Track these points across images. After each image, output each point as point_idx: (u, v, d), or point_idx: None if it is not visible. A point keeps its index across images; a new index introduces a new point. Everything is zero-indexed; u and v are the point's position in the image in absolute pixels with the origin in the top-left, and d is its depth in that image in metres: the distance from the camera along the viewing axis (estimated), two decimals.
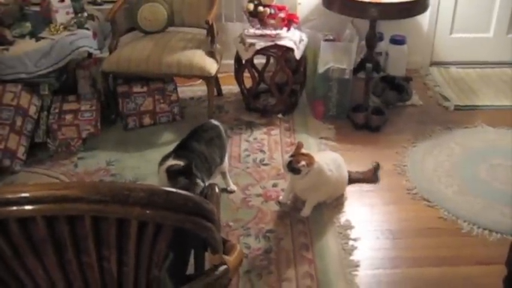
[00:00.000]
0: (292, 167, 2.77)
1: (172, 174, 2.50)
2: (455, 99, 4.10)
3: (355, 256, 2.65)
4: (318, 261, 2.62)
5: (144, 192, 1.21)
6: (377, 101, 3.95)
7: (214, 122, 2.97)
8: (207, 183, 2.50)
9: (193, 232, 1.36)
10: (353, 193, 3.10)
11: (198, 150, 2.73)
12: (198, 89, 4.15)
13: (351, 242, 2.74)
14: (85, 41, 3.53)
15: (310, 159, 2.78)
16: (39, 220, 1.25)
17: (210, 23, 3.54)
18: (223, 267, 1.56)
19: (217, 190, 1.94)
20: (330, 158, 3.01)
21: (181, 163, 2.54)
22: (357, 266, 2.60)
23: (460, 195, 3.07)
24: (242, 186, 3.15)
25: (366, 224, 2.88)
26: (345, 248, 2.70)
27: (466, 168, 3.30)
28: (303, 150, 2.84)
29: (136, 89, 3.69)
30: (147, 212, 1.22)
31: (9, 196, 1.23)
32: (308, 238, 2.76)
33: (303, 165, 2.74)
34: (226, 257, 1.59)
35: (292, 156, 2.81)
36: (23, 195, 1.21)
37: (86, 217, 1.25)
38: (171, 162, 2.57)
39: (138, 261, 1.36)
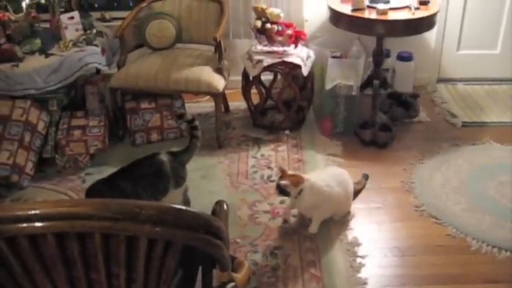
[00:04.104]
0: (280, 189, 2.77)
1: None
2: (462, 116, 4.09)
3: (363, 273, 2.64)
4: (325, 278, 2.60)
5: (154, 210, 1.22)
6: (384, 118, 3.95)
7: (162, 156, 2.83)
8: None
9: (203, 249, 1.36)
10: (360, 210, 3.09)
11: (117, 190, 2.70)
12: (206, 105, 4.16)
13: (358, 259, 2.73)
14: (94, 57, 3.56)
15: (297, 179, 2.77)
16: (49, 237, 1.25)
17: (218, 39, 3.56)
18: (232, 284, 1.56)
19: (225, 207, 1.94)
20: (329, 174, 3.00)
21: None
22: (365, 283, 2.58)
23: (468, 212, 3.05)
24: (249, 202, 3.15)
25: (374, 242, 2.86)
26: (352, 265, 2.69)
27: (474, 185, 3.29)
28: (290, 172, 2.83)
29: (144, 105, 3.71)
30: (157, 229, 1.22)
31: (20, 213, 1.23)
32: (316, 255, 2.75)
33: (286, 184, 2.73)
34: (234, 274, 1.58)
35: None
36: (34, 212, 1.22)
37: (96, 234, 1.25)
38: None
39: (147, 278, 1.36)
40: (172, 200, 2.83)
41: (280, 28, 3.75)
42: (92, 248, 1.29)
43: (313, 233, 2.89)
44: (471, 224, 2.96)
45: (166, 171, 2.80)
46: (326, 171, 3.11)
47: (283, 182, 2.74)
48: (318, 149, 3.67)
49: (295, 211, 3.01)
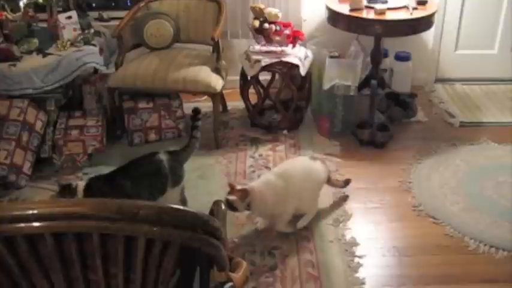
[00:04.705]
0: (229, 204, 2.71)
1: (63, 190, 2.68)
2: (460, 116, 4.09)
3: (361, 273, 2.64)
4: (323, 278, 2.60)
5: (152, 210, 1.22)
6: (382, 118, 3.95)
7: (161, 155, 2.83)
8: None
9: (201, 249, 1.36)
10: (358, 210, 3.09)
11: (116, 187, 2.71)
12: (204, 105, 4.12)
13: (356, 259, 2.73)
14: (91, 57, 3.55)
15: (243, 194, 2.73)
16: (47, 237, 1.25)
17: (216, 39, 3.56)
18: (229, 284, 1.55)
19: (223, 207, 1.94)
20: (276, 171, 2.93)
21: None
22: (363, 283, 2.58)
23: (466, 212, 3.06)
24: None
25: (372, 241, 2.87)
26: (350, 265, 2.69)
27: (471, 185, 3.29)
28: (238, 187, 2.77)
29: (142, 105, 3.71)
30: (155, 229, 1.22)
31: (18, 213, 1.23)
32: (313, 255, 2.75)
33: (233, 200, 2.69)
34: (232, 274, 1.58)
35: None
36: (32, 211, 1.21)
37: (94, 234, 1.25)
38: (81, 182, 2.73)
39: (145, 278, 1.36)
40: (170, 199, 2.83)
41: (278, 28, 3.75)
42: (90, 248, 1.28)
43: (283, 231, 2.87)
44: (469, 223, 2.96)
45: (165, 170, 2.80)
46: (276, 169, 3.03)
47: (230, 198, 2.70)
48: (316, 149, 3.67)
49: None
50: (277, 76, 3.95)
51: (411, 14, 3.60)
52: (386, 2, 3.68)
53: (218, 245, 1.36)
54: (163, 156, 2.82)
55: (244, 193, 2.74)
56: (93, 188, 2.69)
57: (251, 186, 2.81)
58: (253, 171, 3.44)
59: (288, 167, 2.98)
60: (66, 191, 2.66)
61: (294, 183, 2.85)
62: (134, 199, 2.63)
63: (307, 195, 2.92)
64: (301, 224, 2.92)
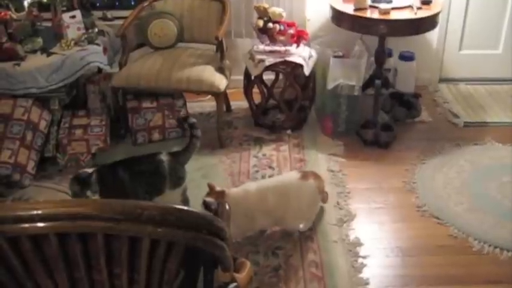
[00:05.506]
0: (206, 206, 2.68)
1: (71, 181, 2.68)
2: (464, 116, 4.09)
3: (365, 274, 2.63)
4: (327, 278, 2.60)
5: (157, 210, 1.21)
6: (386, 118, 3.94)
7: (162, 156, 2.83)
8: None
9: (205, 250, 1.36)
10: (362, 210, 3.09)
11: (116, 178, 2.73)
12: (207, 104, 4.16)
13: (360, 260, 2.72)
14: (95, 56, 3.56)
15: (220, 195, 2.71)
16: (51, 237, 1.25)
17: (220, 39, 3.56)
18: (233, 284, 1.55)
19: (227, 207, 1.94)
20: (261, 185, 2.89)
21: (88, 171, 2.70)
22: (367, 283, 2.58)
23: (470, 212, 3.05)
24: None
25: (376, 242, 2.86)
26: (354, 265, 2.68)
27: (476, 185, 3.29)
28: (217, 188, 2.75)
29: (146, 104, 3.71)
30: (160, 230, 1.22)
31: (22, 213, 1.23)
32: (317, 255, 2.75)
33: (211, 202, 2.65)
34: (236, 275, 1.58)
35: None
36: (36, 212, 1.21)
37: (99, 235, 1.25)
38: (87, 170, 2.73)
39: (149, 279, 1.36)
40: (170, 200, 2.83)
41: (282, 27, 3.75)
42: (94, 248, 1.28)
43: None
44: (473, 224, 2.96)
45: (164, 171, 2.81)
46: (264, 182, 3.04)
47: (207, 199, 2.67)
48: (319, 149, 3.67)
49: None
50: (281, 76, 3.95)
51: (415, 13, 3.59)
52: (390, 1, 3.68)
53: (222, 245, 1.36)
54: (164, 157, 2.83)
55: (221, 195, 2.72)
56: (101, 174, 2.70)
57: (230, 190, 2.80)
58: (257, 171, 3.44)
59: (273, 186, 2.89)
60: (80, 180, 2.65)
61: (273, 205, 2.80)
62: (130, 194, 2.67)
63: (294, 214, 2.84)
64: (303, 229, 2.91)
